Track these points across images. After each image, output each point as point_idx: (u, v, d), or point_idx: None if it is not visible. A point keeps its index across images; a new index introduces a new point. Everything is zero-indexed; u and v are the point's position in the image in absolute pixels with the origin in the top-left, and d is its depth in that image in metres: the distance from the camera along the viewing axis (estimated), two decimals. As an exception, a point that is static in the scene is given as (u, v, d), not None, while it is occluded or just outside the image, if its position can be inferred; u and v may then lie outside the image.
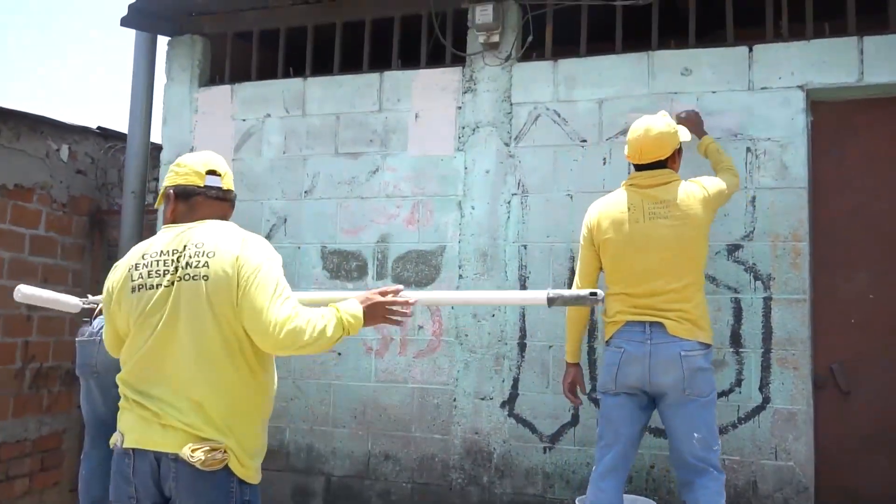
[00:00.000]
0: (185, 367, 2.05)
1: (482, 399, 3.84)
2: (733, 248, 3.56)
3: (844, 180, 3.54)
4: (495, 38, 3.94)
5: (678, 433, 2.89)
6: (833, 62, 3.52)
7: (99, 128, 5.53)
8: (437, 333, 3.95)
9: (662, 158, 3.02)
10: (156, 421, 2.05)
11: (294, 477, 4.10)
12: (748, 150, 3.58)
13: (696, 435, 2.83)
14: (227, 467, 2.03)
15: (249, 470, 2.10)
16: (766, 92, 3.59)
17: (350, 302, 2.16)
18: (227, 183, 2.28)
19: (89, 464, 3.47)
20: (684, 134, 3.13)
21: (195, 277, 2.07)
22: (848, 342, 3.47)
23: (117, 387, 3.42)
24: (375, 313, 2.17)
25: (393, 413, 3.98)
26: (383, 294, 2.19)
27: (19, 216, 4.86)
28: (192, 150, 4.46)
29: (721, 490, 2.83)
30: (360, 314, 2.14)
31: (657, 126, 3.03)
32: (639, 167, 3.07)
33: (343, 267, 4.14)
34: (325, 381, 4.10)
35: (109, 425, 3.49)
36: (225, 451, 2.02)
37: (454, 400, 3.89)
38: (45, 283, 4.86)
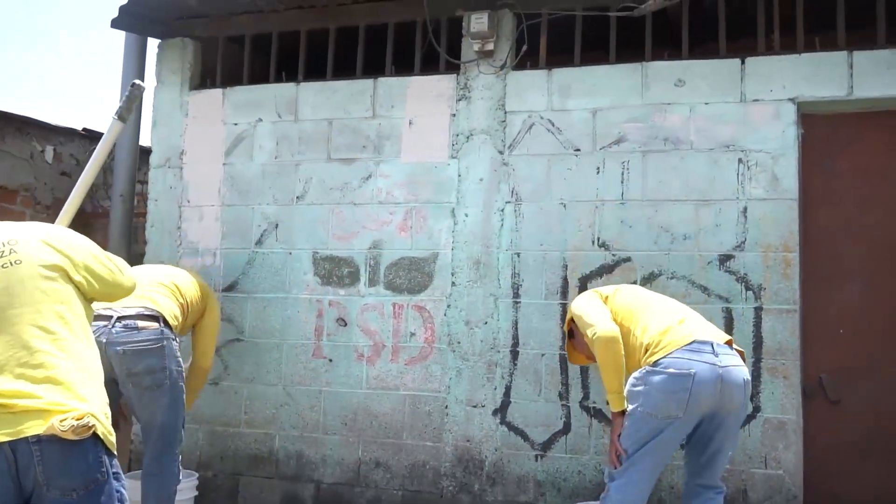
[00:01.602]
0: (21, 351, 2.00)
1: (474, 407, 3.84)
2: (725, 259, 3.59)
3: (834, 192, 3.59)
4: (490, 47, 3.95)
5: (722, 452, 2.82)
6: (823, 76, 3.58)
7: (84, 129, 5.45)
8: (429, 340, 3.95)
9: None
10: (3, 412, 1.92)
11: (283, 484, 4.07)
12: (740, 161, 3.62)
13: (730, 452, 2.88)
14: (95, 436, 1.98)
15: (113, 437, 2.05)
16: (757, 104, 3.63)
17: None
18: None
19: None
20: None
21: (5, 266, 2.09)
22: (837, 352, 3.52)
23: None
24: None
25: (384, 420, 3.97)
26: None
27: (2, 218, 4.75)
28: (182, 153, 4.44)
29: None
30: None
31: None
32: None
33: (335, 273, 4.12)
34: (316, 387, 4.08)
35: None
36: (92, 417, 1.97)
37: (446, 407, 3.89)
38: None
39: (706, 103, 3.70)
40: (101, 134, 5.13)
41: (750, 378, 2.86)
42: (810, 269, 3.57)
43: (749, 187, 3.60)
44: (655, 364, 2.73)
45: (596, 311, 2.95)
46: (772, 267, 3.54)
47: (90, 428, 1.95)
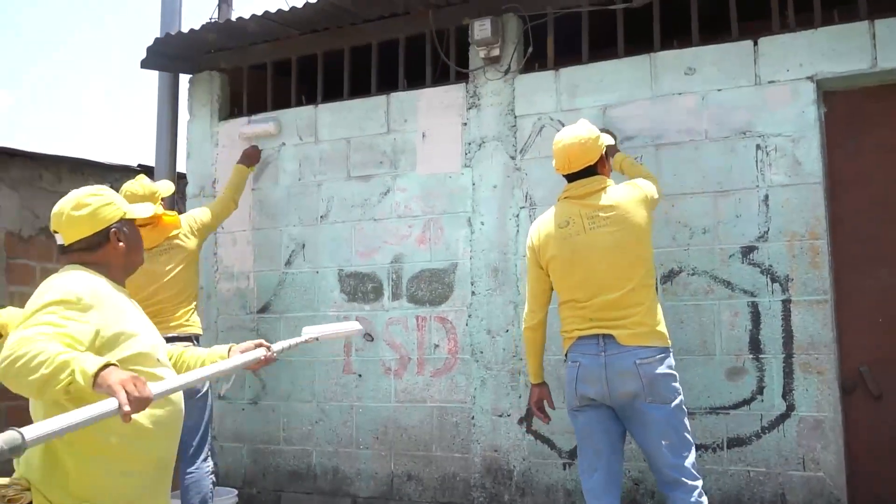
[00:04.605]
0: None
1: (500, 416, 3.80)
2: (748, 250, 3.42)
3: (862, 172, 3.36)
4: (496, 52, 3.92)
5: (647, 444, 2.80)
6: (844, 50, 3.36)
7: (139, 165, 5.75)
8: (452, 351, 3.93)
9: (591, 164, 2.96)
10: None
11: (322, 500, 4.14)
12: (758, 147, 3.44)
13: (664, 442, 2.74)
14: None
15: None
16: (773, 86, 3.45)
17: (93, 358, 1.81)
18: (65, 237, 2.14)
19: None
20: (607, 138, 3.06)
21: None
22: (876, 343, 3.28)
23: None
24: (111, 378, 1.73)
25: (413, 433, 3.98)
26: (133, 379, 1.76)
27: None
28: (214, 182, 4.61)
29: (699, 497, 2.72)
30: (94, 370, 1.74)
31: (580, 133, 2.97)
32: (571, 178, 3.00)
33: (360, 289, 4.17)
34: (347, 402, 4.13)
35: None
36: (27, 489, 1.90)
37: (472, 417, 3.86)
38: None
39: (719, 90, 3.54)
40: (152, 167, 5.41)
41: (651, 359, 2.77)
42: (841, 256, 3.35)
43: (769, 174, 3.42)
44: (565, 357, 3.02)
45: (531, 288, 3.11)
46: (798, 256, 3.34)
47: (16, 499, 1.91)
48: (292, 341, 2.57)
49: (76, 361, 1.74)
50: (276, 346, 2.46)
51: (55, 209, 2.18)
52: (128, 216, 2.22)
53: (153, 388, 1.80)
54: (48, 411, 1.87)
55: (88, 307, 1.96)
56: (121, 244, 2.18)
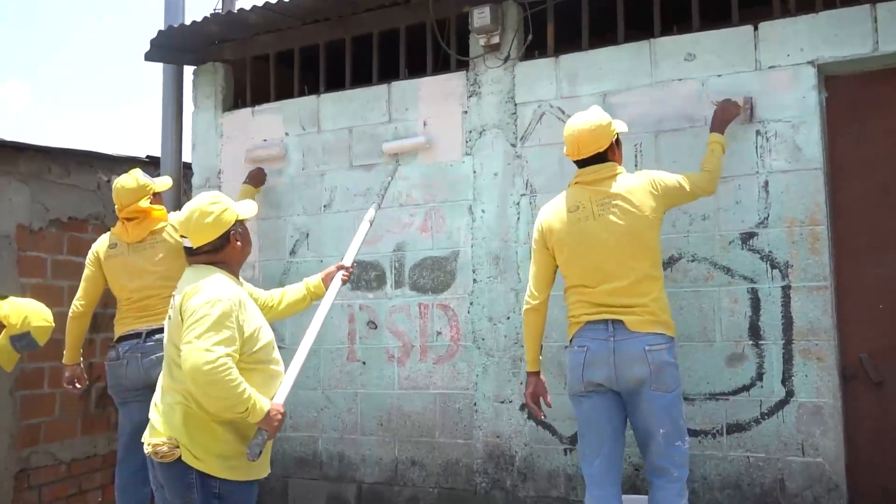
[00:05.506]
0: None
1: (502, 402, 3.83)
2: (747, 237, 3.41)
3: (865, 158, 3.34)
4: (495, 40, 3.92)
5: (644, 430, 2.83)
6: (845, 34, 3.33)
7: (148, 156, 5.79)
8: (454, 339, 3.96)
9: (601, 150, 2.96)
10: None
11: (328, 485, 4.20)
12: (758, 133, 3.43)
13: (661, 430, 2.77)
14: (183, 461, 2.31)
15: (209, 465, 2.32)
16: (774, 71, 3.43)
17: (262, 402, 2.41)
18: (194, 241, 2.50)
19: (124, 473, 3.69)
20: (620, 125, 3.05)
21: (169, 317, 2.51)
22: (878, 330, 3.27)
23: (145, 401, 3.67)
24: (272, 422, 2.43)
25: (417, 419, 4.02)
26: (277, 414, 2.47)
27: (75, 247, 5.12)
28: (220, 172, 4.65)
29: (681, 491, 2.76)
30: (265, 410, 2.39)
31: (590, 119, 2.98)
32: (581, 164, 3.01)
33: (363, 277, 4.21)
34: (352, 389, 4.18)
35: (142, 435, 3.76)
36: (177, 447, 2.30)
37: (475, 404, 3.89)
38: (104, 308, 5.11)
39: (719, 76, 3.52)
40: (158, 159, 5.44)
41: (659, 346, 2.80)
42: (843, 243, 3.33)
43: (769, 160, 3.41)
44: (570, 342, 3.02)
45: (535, 271, 3.11)
46: (798, 242, 3.33)
47: (171, 455, 2.33)
48: (363, 231, 3.58)
49: (251, 402, 2.30)
50: (348, 259, 3.30)
51: (182, 217, 2.53)
52: (240, 217, 2.55)
53: (280, 401, 2.53)
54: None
55: (237, 312, 2.36)
56: (238, 243, 2.54)
